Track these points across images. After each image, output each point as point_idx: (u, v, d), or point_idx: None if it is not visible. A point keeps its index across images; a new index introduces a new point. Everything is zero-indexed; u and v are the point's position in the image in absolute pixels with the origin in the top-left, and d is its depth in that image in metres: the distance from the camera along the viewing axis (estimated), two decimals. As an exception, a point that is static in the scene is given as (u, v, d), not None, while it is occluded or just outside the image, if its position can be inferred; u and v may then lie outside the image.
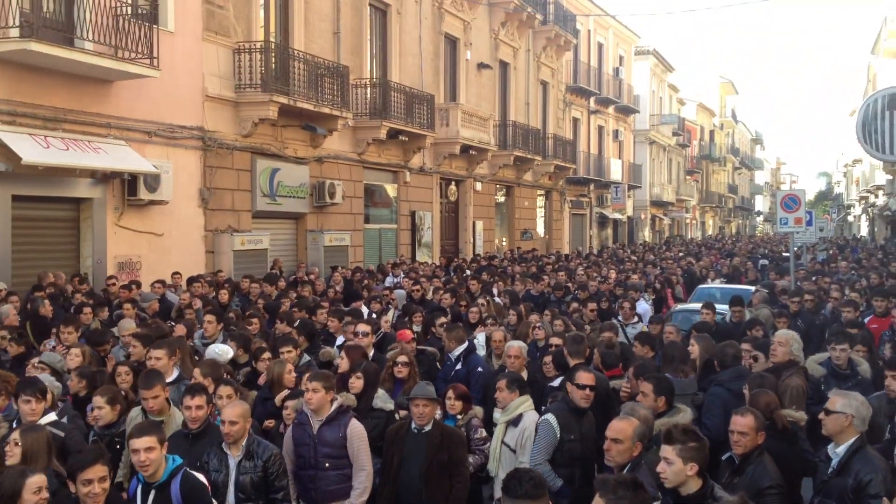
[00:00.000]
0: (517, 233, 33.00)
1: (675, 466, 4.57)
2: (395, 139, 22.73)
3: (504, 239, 32.59)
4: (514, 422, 6.77)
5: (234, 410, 5.81)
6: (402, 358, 7.94)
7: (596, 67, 41.74)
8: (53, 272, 13.12)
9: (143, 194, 14.91)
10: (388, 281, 17.74)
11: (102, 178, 14.40)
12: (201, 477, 5.35)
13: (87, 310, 10.83)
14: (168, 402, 6.54)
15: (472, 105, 27.44)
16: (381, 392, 7.15)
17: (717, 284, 19.85)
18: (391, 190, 24.24)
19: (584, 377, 6.59)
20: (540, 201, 36.05)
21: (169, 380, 7.11)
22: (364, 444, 6.24)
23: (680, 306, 15.46)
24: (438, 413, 6.81)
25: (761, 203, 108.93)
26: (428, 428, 6.32)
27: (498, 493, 6.41)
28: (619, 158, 45.58)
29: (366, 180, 22.60)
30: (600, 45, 43.19)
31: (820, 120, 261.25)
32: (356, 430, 6.24)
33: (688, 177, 65.41)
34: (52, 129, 13.34)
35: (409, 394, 7.36)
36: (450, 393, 7.08)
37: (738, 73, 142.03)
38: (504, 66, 31.49)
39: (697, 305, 12.77)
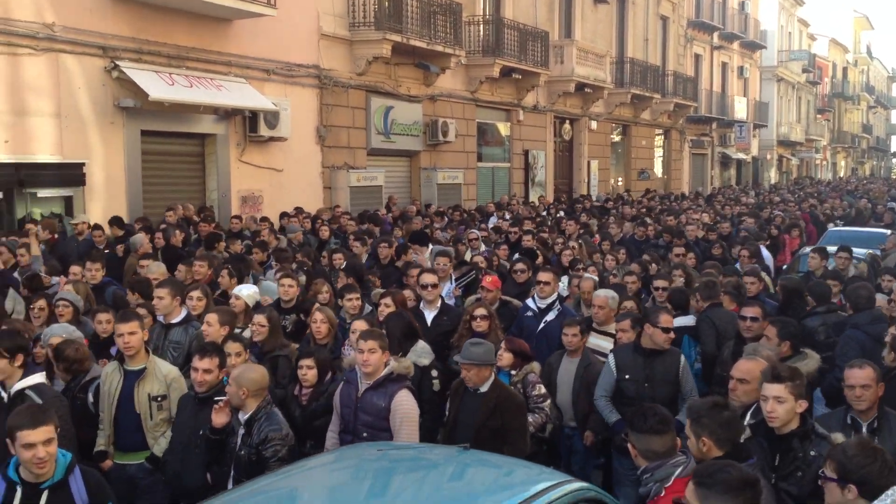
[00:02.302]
0: (634, 173, 32.29)
1: (787, 405, 4.42)
2: (508, 77, 22.48)
3: (620, 179, 31.97)
4: None
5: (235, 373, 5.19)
6: (480, 310, 7.12)
7: (720, 1, 39.90)
8: (182, 204, 13.74)
9: (264, 131, 15.35)
10: (492, 222, 17.22)
11: (225, 114, 14.90)
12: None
13: (221, 243, 11.24)
14: (147, 349, 5.94)
15: (587, 42, 26.75)
16: (419, 346, 6.42)
17: (843, 227, 19.05)
18: (504, 128, 24.07)
19: (665, 319, 6.44)
20: (658, 141, 35.10)
21: (175, 320, 6.86)
22: (409, 423, 5.38)
23: (808, 249, 14.97)
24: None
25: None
26: (484, 389, 5.74)
27: None
28: (744, 96, 43.79)
29: (478, 119, 22.52)
30: (725, -23, 41.26)
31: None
32: (403, 405, 5.38)
33: (818, 116, 62.34)
34: (175, 67, 13.85)
35: None
36: (503, 344, 6.51)
37: (874, 7, 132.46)
38: (622, 0, 30.52)
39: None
